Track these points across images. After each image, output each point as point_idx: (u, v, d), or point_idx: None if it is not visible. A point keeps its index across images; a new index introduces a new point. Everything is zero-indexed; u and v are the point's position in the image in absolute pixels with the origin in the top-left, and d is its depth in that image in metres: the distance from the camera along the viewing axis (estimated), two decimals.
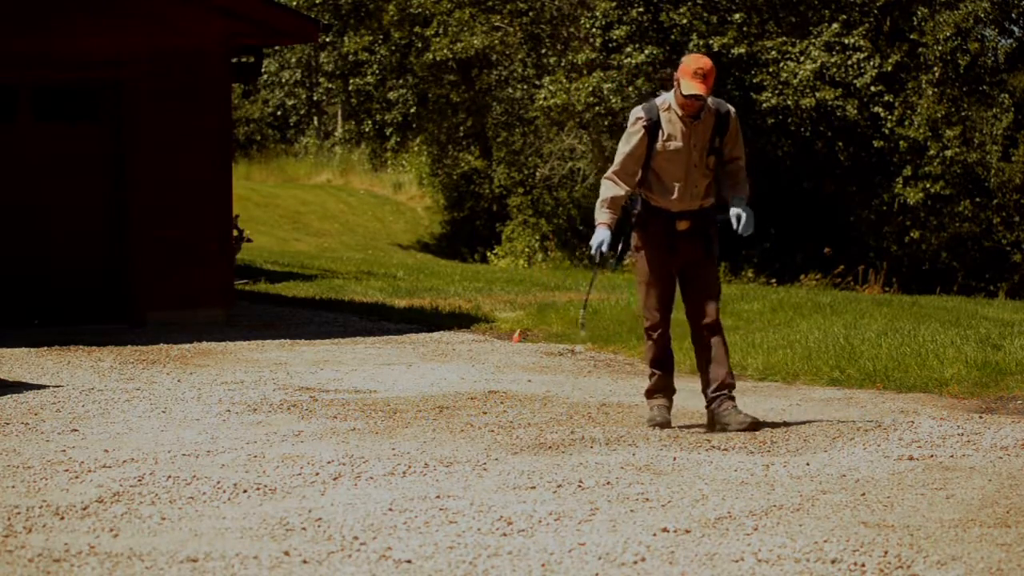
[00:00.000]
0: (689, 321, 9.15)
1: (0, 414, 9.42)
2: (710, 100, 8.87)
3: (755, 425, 8.91)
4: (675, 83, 8.82)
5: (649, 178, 8.95)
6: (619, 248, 9.11)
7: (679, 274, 9.07)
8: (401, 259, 32.61)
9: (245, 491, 7.05)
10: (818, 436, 8.71)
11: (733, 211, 8.95)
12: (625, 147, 8.90)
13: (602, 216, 8.91)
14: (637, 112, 8.96)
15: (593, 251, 8.88)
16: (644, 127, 8.86)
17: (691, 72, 8.72)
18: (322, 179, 43.34)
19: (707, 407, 9.16)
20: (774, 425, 9.12)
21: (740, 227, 8.92)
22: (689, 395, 10.54)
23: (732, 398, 9.05)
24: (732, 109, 9.05)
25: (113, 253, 15.16)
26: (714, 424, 9.06)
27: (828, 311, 15.90)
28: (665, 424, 9.14)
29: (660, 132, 8.86)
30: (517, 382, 11.19)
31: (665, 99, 8.95)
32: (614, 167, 8.96)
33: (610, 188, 8.93)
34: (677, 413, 9.62)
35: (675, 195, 8.91)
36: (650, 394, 9.31)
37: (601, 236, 8.85)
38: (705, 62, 8.77)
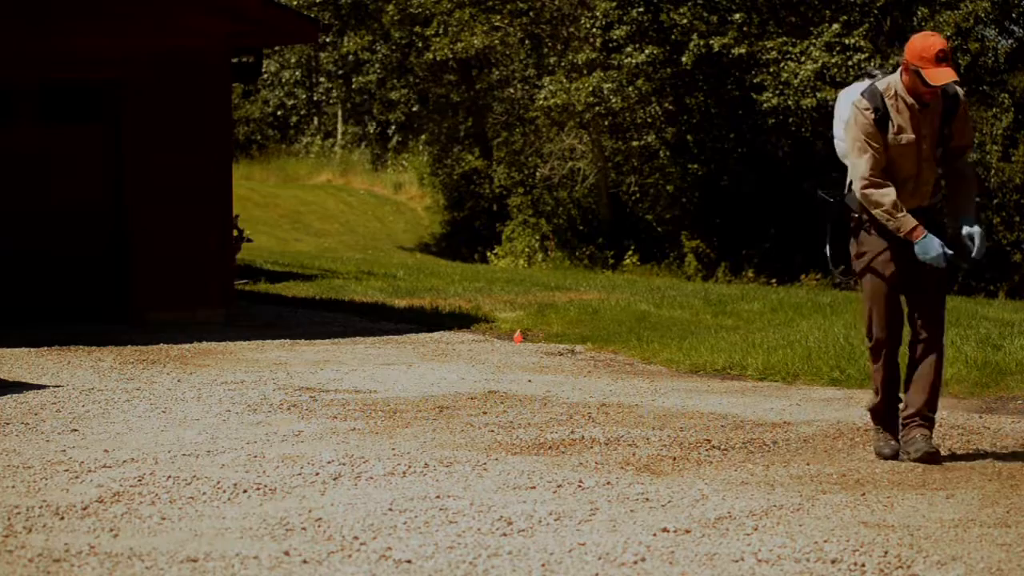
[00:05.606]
0: (911, 326, 7.98)
1: (0, 414, 9.42)
2: None
3: (930, 457, 7.83)
4: (904, 69, 7.67)
5: None
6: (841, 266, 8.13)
7: (907, 281, 7.90)
8: (401, 259, 32.58)
9: (245, 491, 7.04)
10: (818, 436, 8.71)
11: (967, 230, 7.80)
12: (861, 145, 7.70)
13: (908, 222, 7.67)
14: (859, 102, 7.74)
15: (943, 261, 7.67)
16: (873, 118, 7.67)
17: (932, 56, 7.52)
18: (322, 179, 43.32)
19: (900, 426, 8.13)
20: (783, 426, 9.12)
21: (975, 251, 7.77)
22: (689, 394, 10.53)
23: (923, 425, 7.92)
24: (960, 90, 7.83)
25: (113, 253, 15.15)
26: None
27: (828, 311, 15.89)
28: (893, 458, 7.97)
29: (889, 123, 7.70)
30: (517, 382, 11.18)
31: (889, 84, 7.73)
32: (862, 174, 7.72)
33: (882, 194, 7.70)
34: (676, 412, 9.61)
35: (905, 193, 7.78)
36: (876, 416, 8.14)
37: (934, 241, 7.65)
38: (942, 41, 7.56)
